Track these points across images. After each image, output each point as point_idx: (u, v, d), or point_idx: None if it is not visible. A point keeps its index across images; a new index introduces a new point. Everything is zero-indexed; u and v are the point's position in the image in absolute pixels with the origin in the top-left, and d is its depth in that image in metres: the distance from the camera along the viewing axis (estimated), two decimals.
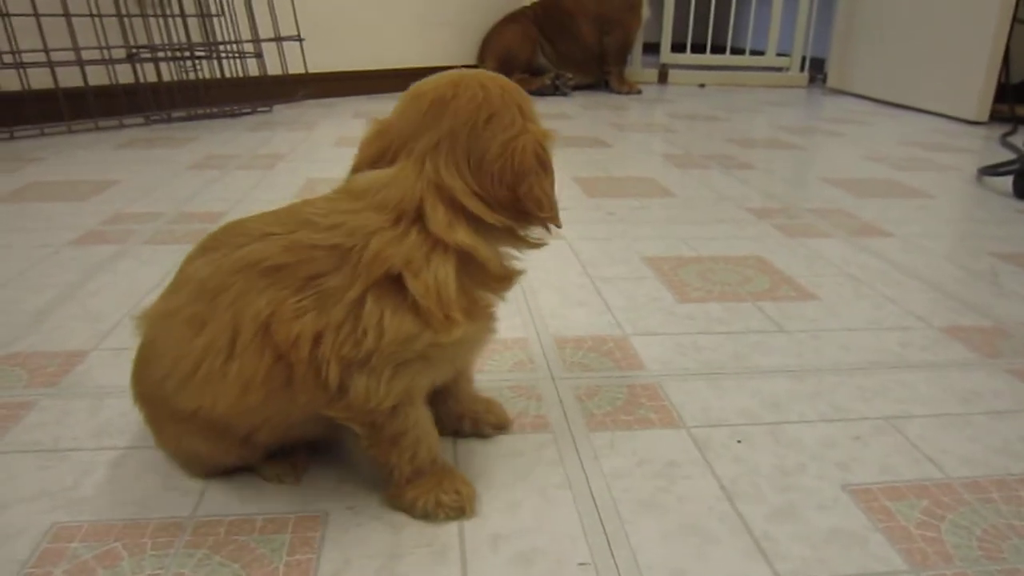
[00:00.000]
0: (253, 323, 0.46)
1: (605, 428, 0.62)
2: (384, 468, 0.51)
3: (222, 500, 0.53)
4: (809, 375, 0.71)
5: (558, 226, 0.50)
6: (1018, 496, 0.54)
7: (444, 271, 0.46)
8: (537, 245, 0.51)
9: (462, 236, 0.46)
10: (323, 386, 0.46)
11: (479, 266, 0.48)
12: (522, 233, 0.50)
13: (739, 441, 0.60)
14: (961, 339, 0.80)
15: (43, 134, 1.84)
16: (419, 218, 0.46)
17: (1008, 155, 1.79)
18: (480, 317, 0.49)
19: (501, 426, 0.61)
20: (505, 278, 0.50)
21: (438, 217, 0.46)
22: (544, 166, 0.48)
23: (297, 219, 0.48)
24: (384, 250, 0.45)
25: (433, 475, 0.52)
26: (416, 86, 0.50)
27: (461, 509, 0.51)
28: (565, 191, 1.37)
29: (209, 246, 0.50)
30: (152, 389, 0.51)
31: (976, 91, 2.33)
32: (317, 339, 0.45)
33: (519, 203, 0.48)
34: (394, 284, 0.45)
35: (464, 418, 0.60)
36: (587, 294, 0.89)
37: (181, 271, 0.51)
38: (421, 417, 0.51)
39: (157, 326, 0.50)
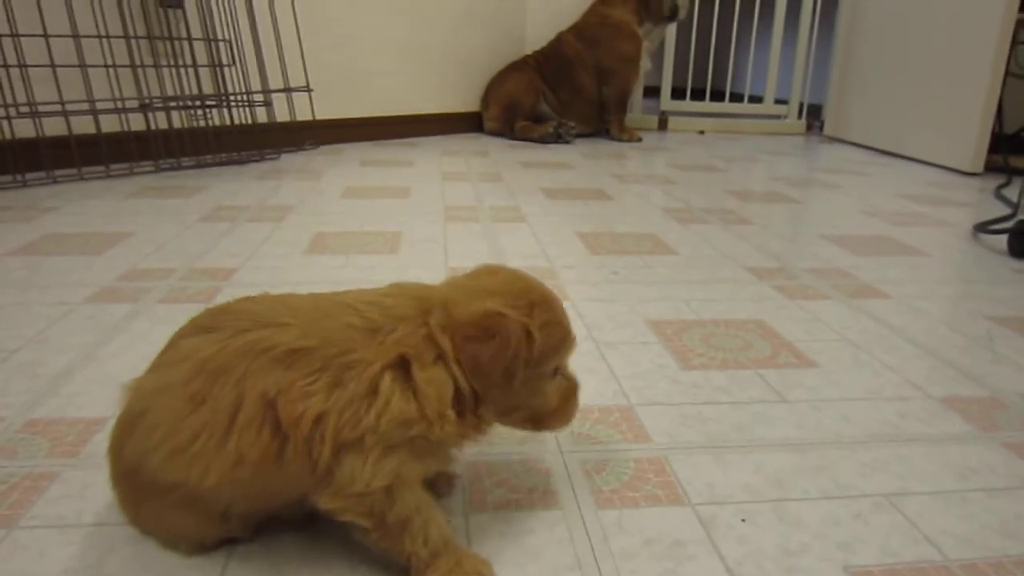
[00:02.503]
0: (258, 401, 0.49)
1: (613, 505, 0.63)
2: (401, 557, 0.52)
3: None
4: (810, 449, 0.73)
5: (515, 422, 0.58)
6: None
7: (443, 376, 0.51)
8: (480, 433, 0.56)
9: (444, 342, 0.52)
10: (312, 466, 0.49)
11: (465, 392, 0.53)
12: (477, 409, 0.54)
13: (743, 520, 0.62)
14: (958, 410, 0.82)
15: (55, 181, 1.87)
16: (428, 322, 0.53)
17: (1002, 208, 1.83)
18: (471, 432, 0.54)
19: (452, 484, 0.65)
20: (476, 420, 0.54)
21: (436, 321, 0.53)
22: (504, 342, 0.52)
23: (313, 310, 0.53)
24: (406, 336, 0.51)
25: (450, 556, 0.53)
26: (490, 265, 0.60)
27: None
28: (569, 247, 1.40)
29: (207, 325, 0.53)
30: (134, 462, 0.52)
31: (971, 142, 2.38)
32: (318, 419, 0.48)
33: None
34: (406, 371, 0.50)
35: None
36: (593, 360, 0.91)
37: (174, 347, 0.54)
38: (423, 500, 0.53)
39: (149, 399, 0.52)
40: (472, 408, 0.53)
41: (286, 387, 0.48)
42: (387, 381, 0.49)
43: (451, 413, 0.51)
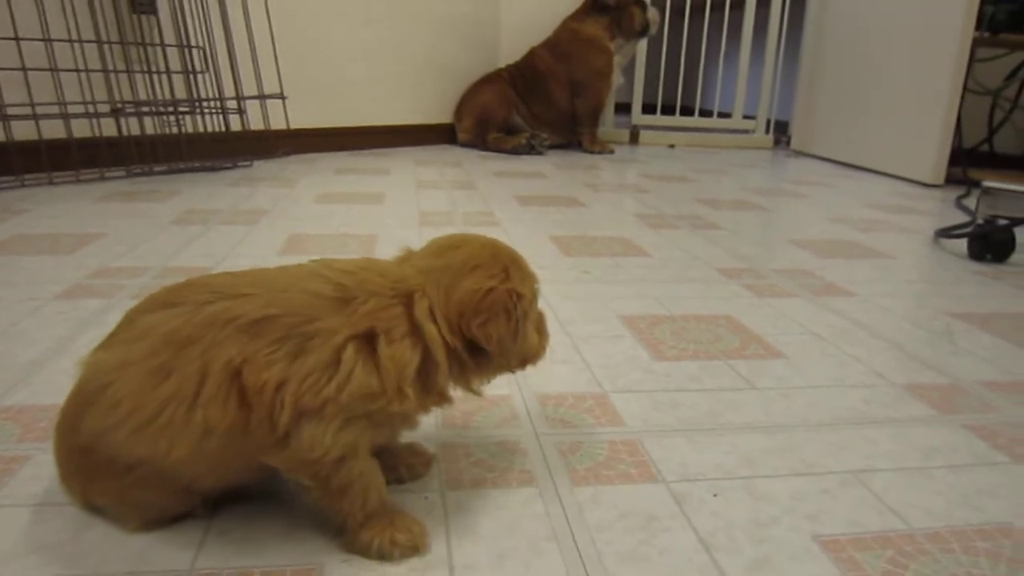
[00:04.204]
0: (223, 371, 0.49)
1: (588, 483, 0.64)
2: (336, 516, 0.54)
3: (219, 552, 0.54)
4: (779, 431, 0.75)
5: (509, 370, 0.60)
6: (975, 546, 0.58)
7: (410, 354, 0.52)
8: (475, 392, 0.59)
9: (430, 328, 0.53)
10: (271, 429, 0.50)
11: (433, 369, 0.54)
12: (471, 374, 0.57)
13: (715, 495, 0.63)
14: (921, 396, 0.84)
15: (23, 185, 1.85)
16: (410, 304, 0.53)
17: (963, 217, 1.88)
18: (429, 404, 0.55)
19: (428, 464, 0.66)
20: (439, 393, 0.56)
21: (422, 307, 0.53)
22: (507, 313, 0.55)
23: (278, 280, 0.54)
24: (377, 310, 0.52)
25: (384, 516, 0.55)
26: (445, 236, 0.60)
27: (415, 547, 0.54)
28: (543, 250, 1.42)
29: (167, 301, 0.53)
30: (91, 439, 0.52)
31: (932, 155, 2.45)
32: (279, 386, 0.49)
33: (471, 334, 0.54)
34: (371, 344, 0.51)
35: (399, 467, 0.63)
36: (567, 352, 0.92)
37: (132, 324, 0.53)
38: (367, 467, 0.54)
39: (109, 374, 0.51)
40: (457, 376, 0.56)
41: (251, 355, 0.49)
42: (350, 352, 0.50)
43: (410, 390, 0.52)
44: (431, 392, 0.54)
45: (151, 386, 0.50)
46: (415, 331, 0.53)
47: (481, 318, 0.54)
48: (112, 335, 0.54)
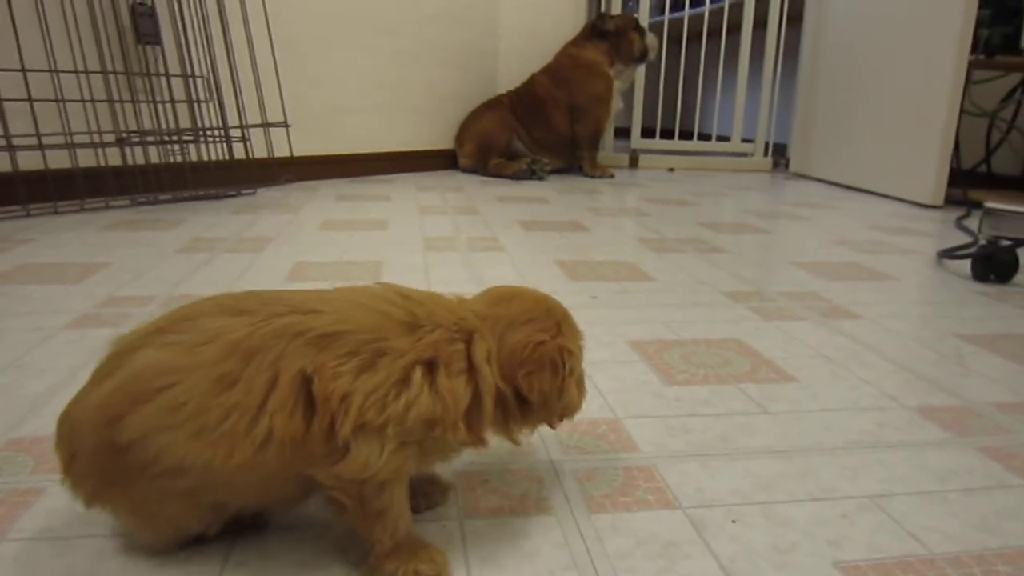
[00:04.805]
0: (293, 380, 0.50)
1: (605, 510, 0.64)
2: (367, 542, 0.54)
3: None
4: (795, 455, 0.75)
5: (550, 425, 0.61)
6: (996, 570, 0.57)
7: (464, 390, 0.54)
8: (514, 441, 0.60)
9: (486, 371, 0.55)
10: (328, 437, 0.50)
11: (478, 410, 0.55)
12: (512, 422, 0.58)
13: (734, 521, 0.63)
14: (934, 419, 0.84)
15: (29, 215, 1.86)
16: (470, 342, 0.55)
17: (964, 237, 1.89)
18: (468, 444, 0.56)
19: (446, 493, 0.66)
20: (478, 435, 0.56)
21: (481, 349, 0.55)
22: (554, 368, 0.57)
23: (346, 299, 0.55)
24: (441, 341, 0.54)
25: (409, 546, 0.55)
26: (500, 287, 0.63)
27: None
28: (548, 274, 1.42)
29: (234, 308, 0.53)
30: (134, 438, 0.50)
31: (931, 176, 2.46)
32: (344, 397, 0.50)
33: (517, 383, 0.56)
34: (432, 373, 0.53)
35: (416, 495, 0.63)
36: None
37: (191, 324, 0.51)
38: (403, 495, 0.55)
39: (173, 376, 0.50)
40: (499, 422, 0.57)
41: (320, 366, 0.50)
42: (418, 375, 0.51)
43: (461, 425, 0.53)
44: (473, 432, 0.55)
45: (215, 392, 0.49)
46: (471, 370, 0.54)
47: (528, 368, 0.56)
48: (163, 330, 0.52)
